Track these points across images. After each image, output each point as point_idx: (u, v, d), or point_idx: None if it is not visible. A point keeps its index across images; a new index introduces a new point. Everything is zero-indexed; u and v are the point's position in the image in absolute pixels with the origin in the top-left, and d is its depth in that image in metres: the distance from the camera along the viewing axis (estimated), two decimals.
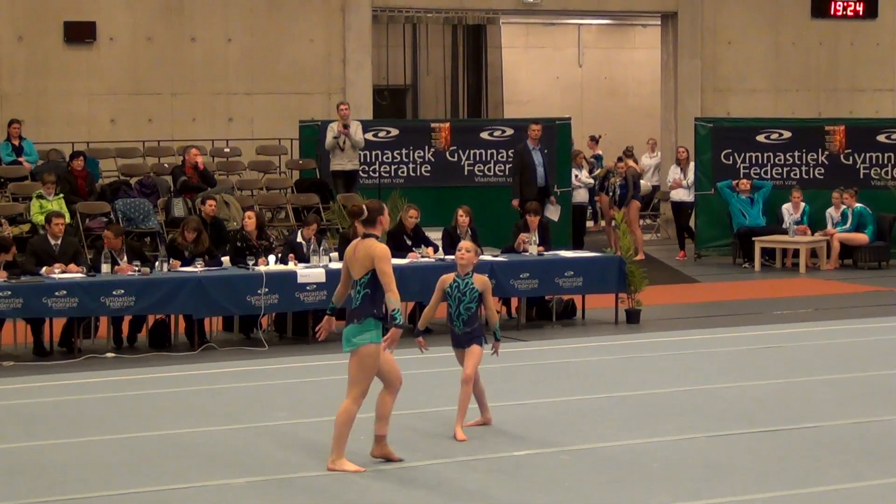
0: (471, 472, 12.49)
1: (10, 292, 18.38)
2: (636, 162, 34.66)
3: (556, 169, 28.32)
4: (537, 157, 26.29)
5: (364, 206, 12.79)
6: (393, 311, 12.23)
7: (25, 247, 20.30)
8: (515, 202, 25.65)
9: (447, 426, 13.95)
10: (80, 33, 29.48)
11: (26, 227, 23.24)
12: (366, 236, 12.57)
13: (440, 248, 21.23)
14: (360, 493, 11.69)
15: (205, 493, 11.94)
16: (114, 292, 18.87)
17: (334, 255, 20.54)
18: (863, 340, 20.01)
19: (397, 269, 20.05)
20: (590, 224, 33.50)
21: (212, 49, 30.61)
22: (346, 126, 26.52)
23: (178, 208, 24.97)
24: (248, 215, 21.15)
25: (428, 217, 22.05)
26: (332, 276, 19.79)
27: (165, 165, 27.25)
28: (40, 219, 22.24)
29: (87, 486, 12.14)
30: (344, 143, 26.63)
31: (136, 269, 19.34)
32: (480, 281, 14.34)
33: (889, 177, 29.50)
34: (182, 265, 19.79)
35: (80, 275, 19.14)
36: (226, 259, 20.06)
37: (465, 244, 14.48)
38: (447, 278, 14.34)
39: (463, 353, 14.26)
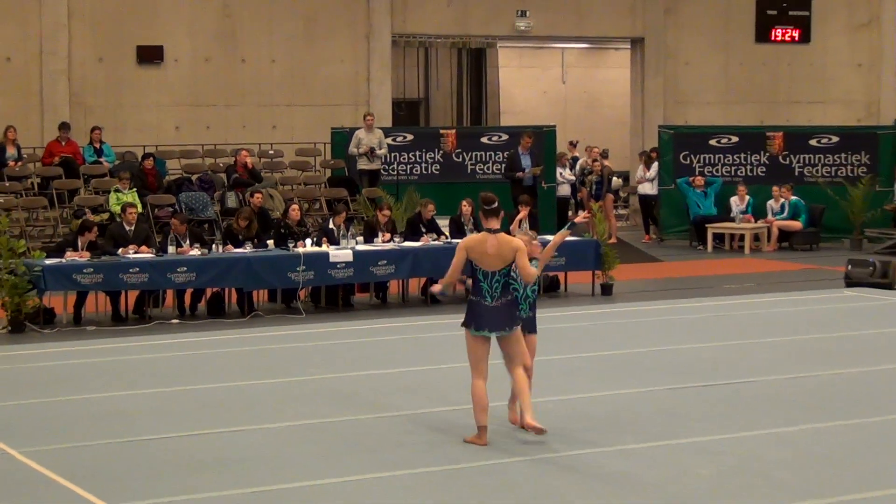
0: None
1: (92, 269, 18.47)
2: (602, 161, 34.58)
3: (545, 169, 28.28)
4: (525, 161, 26.39)
5: (493, 197, 11.93)
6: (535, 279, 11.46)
7: (105, 232, 20.35)
8: (523, 174, 26.22)
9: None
10: (150, 55, 29.53)
11: (105, 216, 23.27)
12: (493, 231, 11.44)
13: (447, 234, 21.25)
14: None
15: (251, 435, 11.99)
16: (178, 269, 18.94)
17: (360, 238, 20.60)
18: (797, 310, 20.03)
19: (414, 251, 20.26)
20: (571, 213, 33.46)
21: (258, 69, 30.64)
22: (371, 149, 26.59)
23: (231, 200, 25.01)
24: (293, 208, 21.20)
25: (437, 208, 22.04)
26: (358, 256, 19.87)
27: (220, 165, 27.27)
28: (117, 209, 22.26)
29: (157, 430, 12.18)
30: (372, 153, 26.69)
31: (197, 250, 19.41)
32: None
33: (819, 174, 29.49)
34: (235, 247, 19.86)
35: (150, 255, 19.21)
36: (270, 242, 20.12)
37: (528, 234, 12.30)
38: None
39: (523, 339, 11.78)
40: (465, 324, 11.48)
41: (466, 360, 15.79)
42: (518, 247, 11.26)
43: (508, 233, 21.70)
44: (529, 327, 11.96)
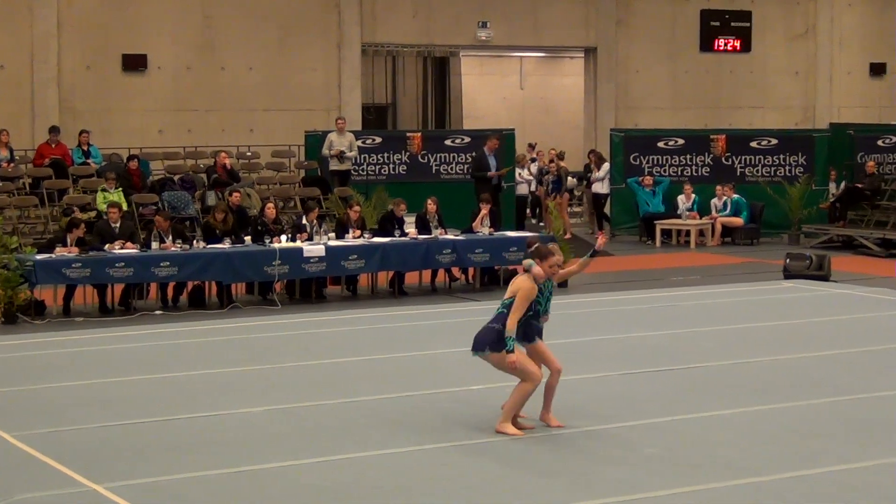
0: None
1: (81, 264, 18.40)
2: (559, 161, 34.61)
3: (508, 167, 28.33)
4: (491, 162, 26.43)
5: (535, 245, 11.80)
6: (507, 338, 10.99)
7: (93, 229, 20.27)
8: (494, 173, 26.31)
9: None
10: (134, 63, 29.45)
11: (93, 214, 23.17)
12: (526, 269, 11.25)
13: (415, 230, 21.26)
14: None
15: (232, 419, 11.95)
16: (161, 264, 18.87)
17: (332, 234, 20.58)
18: (739, 300, 20.08)
19: (383, 246, 20.23)
20: (529, 211, 33.48)
21: (237, 76, 30.56)
22: (341, 152, 26.53)
23: (211, 199, 24.89)
24: (269, 206, 21.16)
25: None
26: (330, 251, 19.85)
27: (201, 165, 27.17)
28: (104, 207, 22.15)
29: (142, 414, 12.15)
30: (342, 155, 26.64)
31: (179, 246, 19.35)
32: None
33: (759, 174, 29.57)
34: (213, 243, 19.81)
35: (135, 250, 19.14)
36: (248, 238, 20.06)
37: (558, 258, 11.54)
38: (533, 289, 11.25)
39: (537, 347, 11.54)
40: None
41: (432, 348, 15.84)
42: (519, 287, 11.15)
43: (470, 229, 21.83)
44: (540, 332, 11.71)
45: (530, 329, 11.41)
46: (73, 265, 18.35)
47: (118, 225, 19.80)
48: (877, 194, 28.41)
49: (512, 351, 10.93)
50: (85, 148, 26.51)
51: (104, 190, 23.72)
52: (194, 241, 19.79)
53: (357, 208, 21.64)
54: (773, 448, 10.72)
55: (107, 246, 19.09)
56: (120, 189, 23.91)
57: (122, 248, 19.12)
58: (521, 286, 11.06)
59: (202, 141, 29.04)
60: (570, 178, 31.95)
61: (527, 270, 11.23)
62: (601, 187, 30.18)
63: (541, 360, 11.39)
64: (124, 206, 22.07)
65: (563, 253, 21.30)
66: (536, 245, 11.75)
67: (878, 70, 38.10)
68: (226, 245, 19.69)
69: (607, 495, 9.38)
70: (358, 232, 20.75)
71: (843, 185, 29.38)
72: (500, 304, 11.24)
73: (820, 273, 22.11)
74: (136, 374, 14.21)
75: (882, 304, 19.32)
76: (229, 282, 19.70)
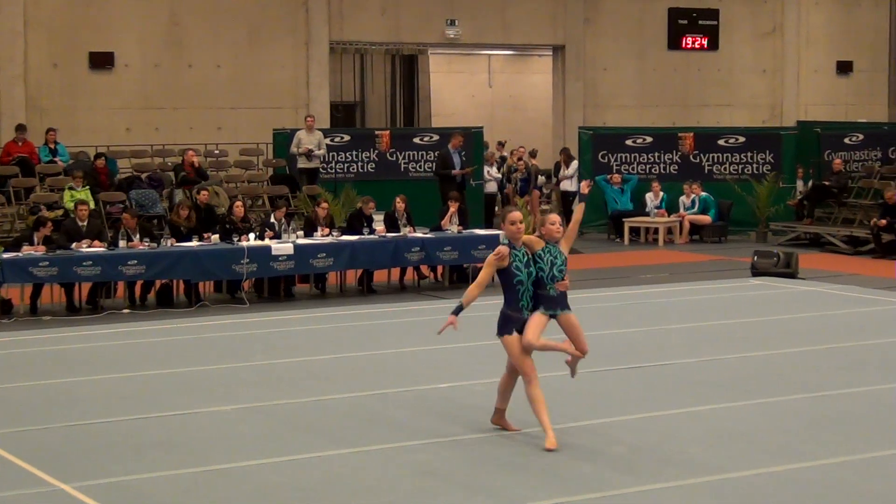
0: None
1: (48, 263, 18.32)
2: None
3: (474, 167, 28.38)
4: (456, 159, 26.47)
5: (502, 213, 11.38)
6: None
7: (60, 227, 20.20)
8: (458, 172, 26.30)
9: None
10: (101, 61, 29.37)
11: (60, 212, 23.07)
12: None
13: (383, 228, 21.27)
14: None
15: (200, 417, 11.93)
16: (129, 262, 18.81)
17: (300, 232, 20.56)
18: (708, 297, 20.15)
19: (352, 244, 20.22)
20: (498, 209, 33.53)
21: (205, 73, 30.51)
22: (309, 150, 26.53)
23: (179, 197, 24.86)
24: (237, 204, 21.13)
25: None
26: (298, 249, 19.83)
27: (169, 164, 27.11)
28: (71, 206, 22.10)
29: (110, 413, 12.13)
30: (310, 153, 26.65)
31: (146, 244, 19.30)
32: (533, 241, 11.28)
33: (727, 172, 29.67)
34: (181, 241, 19.77)
35: (102, 249, 19.08)
36: (215, 237, 20.02)
37: (556, 217, 11.29)
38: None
39: (560, 320, 11.07)
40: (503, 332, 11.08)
41: (400, 346, 15.85)
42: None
43: (438, 227, 21.85)
44: (562, 302, 11.16)
45: (539, 300, 10.91)
46: (41, 264, 18.27)
47: (85, 223, 19.73)
48: (844, 192, 28.54)
49: (454, 314, 11.03)
50: (52, 146, 26.41)
51: (71, 188, 23.66)
52: (162, 240, 19.74)
53: (325, 206, 21.64)
54: (741, 445, 10.77)
55: (74, 244, 19.02)
56: (87, 187, 23.85)
57: (89, 246, 19.06)
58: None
59: (170, 139, 28.97)
60: (539, 176, 32.01)
61: (502, 243, 11.08)
62: (570, 185, 30.23)
63: (570, 335, 11.09)
64: (91, 205, 22.01)
65: (534, 247, 21.51)
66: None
67: (844, 68, 38.28)
68: (194, 243, 19.65)
69: (575, 492, 9.41)
70: (326, 230, 20.74)
71: (810, 182, 29.51)
72: None
73: (787, 270, 22.21)
74: (103, 374, 14.18)
75: (849, 302, 19.42)
76: (197, 280, 19.66)
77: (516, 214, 11.07)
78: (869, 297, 19.81)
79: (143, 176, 26.09)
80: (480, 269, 22.04)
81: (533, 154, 32.47)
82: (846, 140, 30.72)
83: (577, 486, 9.57)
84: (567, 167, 30.27)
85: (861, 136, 30.91)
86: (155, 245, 19.35)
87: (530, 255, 11.00)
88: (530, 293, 10.96)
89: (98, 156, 25.78)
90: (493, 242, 21.34)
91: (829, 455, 10.44)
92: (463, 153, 26.92)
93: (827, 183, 28.77)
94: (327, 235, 20.57)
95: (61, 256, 18.53)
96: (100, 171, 25.16)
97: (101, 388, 13.38)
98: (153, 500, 9.34)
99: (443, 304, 19.54)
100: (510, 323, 10.93)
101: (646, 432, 11.13)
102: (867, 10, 38.42)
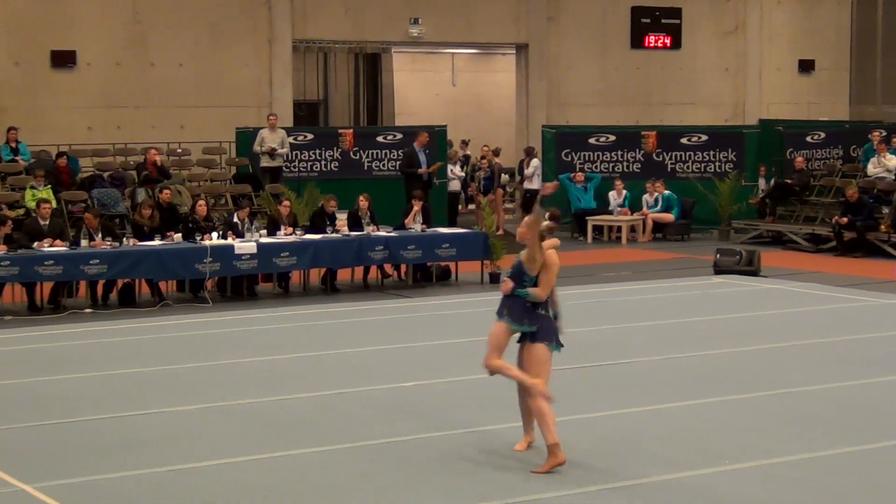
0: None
1: (9, 262, 18.24)
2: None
3: (439, 165, 28.45)
4: (422, 157, 26.51)
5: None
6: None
7: (21, 227, 20.11)
8: (424, 170, 26.28)
9: None
10: (63, 59, 29.25)
11: (21, 211, 22.97)
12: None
13: (347, 226, 21.29)
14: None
15: (164, 417, 11.93)
16: (91, 262, 18.73)
17: (263, 231, 20.54)
18: (671, 295, 20.22)
19: (315, 243, 20.21)
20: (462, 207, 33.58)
21: (167, 72, 30.42)
22: (273, 149, 26.54)
23: (141, 196, 24.78)
24: (200, 203, 21.08)
25: (337, 203, 22.00)
26: (261, 248, 19.80)
27: (131, 162, 27.01)
28: (32, 204, 21.99)
29: (73, 413, 12.11)
30: (274, 152, 26.64)
31: (109, 243, 19.24)
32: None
33: (690, 171, 29.79)
34: (143, 240, 19.73)
35: (64, 248, 19.00)
36: (178, 235, 19.98)
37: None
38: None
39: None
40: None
41: (364, 345, 15.86)
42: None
43: (402, 226, 21.85)
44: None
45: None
46: (1, 263, 18.17)
47: (47, 222, 19.64)
48: (806, 190, 28.70)
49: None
50: (13, 145, 26.27)
51: (33, 187, 23.55)
52: (125, 239, 19.69)
53: (287, 204, 21.63)
54: (702, 442, 10.84)
55: (35, 244, 18.94)
56: (49, 186, 23.73)
57: (50, 245, 18.98)
58: (555, 260, 10.06)
59: (132, 138, 28.87)
60: (503, 174, 32.06)
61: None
62: (531, 183, 30.32)
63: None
64: (53, 204, 21.92)
65: (497, 250, 21.63)
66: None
67: (806, 67, 38.48)
68: (156, 243, 19.61)
69: (537, 491, 9.44)
70: (290, 229, 20.73)
71: (772, 181, 29.64)
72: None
73: (750, 268, 22.32)
74: (66, 373, 14.14)
75: (811, 299, 19.53)
76: (160, 279, 19.62)
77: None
78: (831, 295, 19.93)
79: (106, 175, 25.98)
80: (445, 267, 22.21)
81: (496, 152, 32.53)
82: (808, 138, 30.87)
83: (539, 484, 9.60)
84: (528, 166, 30.34)
85: (823, 135, 31.06)
86: (117, 244, 19.29)
87: None
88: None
89: (60, 154, 25.67)
90: (456, 241, 21.42)
91: (792, 452, 10.51)
92: (427, 151, 26.96)
93: (789, 181, 28.91)
94: (291, 234, 20.55)
95: (22, 256, 18.45)
96: (61, 170, 25.05)
97: (63, 388, 13.34)
98: (116, 500, 9.33)
99: (406, 302, 19.59)
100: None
101: (608, 430, 11.17)
102: (829, 9, 38.63)
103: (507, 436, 11.00)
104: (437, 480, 9.76)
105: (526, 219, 10.10)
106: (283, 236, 20.45)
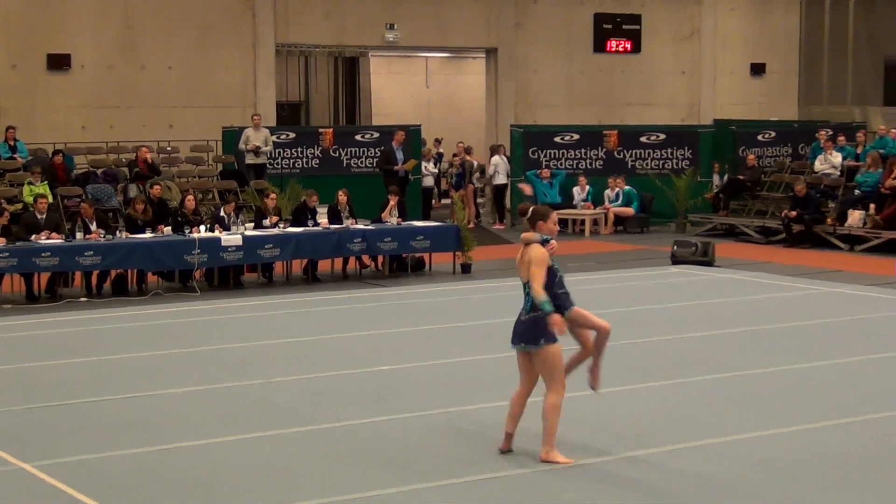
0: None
1: (8, 254, 18.20)
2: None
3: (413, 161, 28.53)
4: (399, 155, 26.51)
5: (530, 209, 9.79)
6: (540, 304, 9.43)
7: (19, 220, 20.05)
8: (400, 167, 26.24)
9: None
10: (59, 62, 29.13)
11: (20, 206, 22.90)
12: (527, 243, 9.59)
13: (327, 220, 21.29)
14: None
15: (155, 400, 11.91)
16: (85, 253, 18.69)
17: (249, 225, 20.53)
18: (631, 284, 20.26)
19: (297, 235, 20.20)
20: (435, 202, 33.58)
21: (157, 74, 30.32)
22: (257, 147, 26.49)
23: (133, 191, 24.71)
24: (188, 198, 21.07)
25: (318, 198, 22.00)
26: (247, 240, 19.79)
27: (123, 160, 26.92)
28: (30, 199, 21.93)
29: (69, 396, 12.08)
30: (258, 150, 26.60)
31: (102, 236, 19.20)
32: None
33: (649, 167, 29.86)
34: (135, 233, 19.70)
35: (60, 240, 18.96)
36: (168, 229, 19.94)
37: (555, 214, 9.96)
38: (545, 253, 9.69)
39: (574, 314, 10.20)
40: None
41: (343, 331, 15.85)
42: (531, 258, 9.53)
43: (379, 220, 21.84)
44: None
45: (561, 299, 9.87)
46: (1, 254, 18.13)
47: (44, 216, 19.60)
48: (757, 185, 28.79)
49: (552, 311, 9.48)
50: (11, 143, 26.16)
51: (30, 183, 23.47)
52: (118, 232, 19.65)
53: (273, 196, 21.71)
54: (661, 423, 10.88)
55: (33, 236, 18.90)
56: (45, 182, 23.66)
57: (47, 238, 18.94)
58: (532, 254, 9.49)
59: (124, 136, 28.79)
60: (474, 171, 32.07)
61: (537, 243, 9.62)
62: (495, 179, 30.39)
63: (585, 325, 10.15)
64: (49, 199, 21.85)
65: (468, 243, 21.64)
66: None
67: (757, 70, 38.57)
68: (147, 235, 19.58)
69: (500, 469, 9.47)
70: (276, 218, 20.75)
71: (725, 177, 29.73)
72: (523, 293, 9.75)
73: (705, 259, 22.39)
74: (61, 359, 14.11)
75: (762, 288, 19.60)
76: (151, 270, 19.59)
77: (555, 215, 9.90)
78: (780, 284, 20.01)
79: (99, 171, 25.90)
80: (419, 258, 22.24)
81: (468, 150, 32.54)
82: (759, 137, 30.96)
83: (504, 463, 9.63)
84: (489, 163, 30.37)
85: (773, 134, 31.16)
86: (110, 237, 19.26)
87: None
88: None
89: (56, 152, 25.58)
90: (430, 234, 21.44)
91: (743, 430, 10.56)
92: (403, 149, 27.01)
93: (741, 177, 28.99)
94: (276, 223, 20.57)
95: (21, 248, 18.42)
96: (57, 167, 24.97)
97: (59, 373, 13.31)
98: (111, 477, 9.32)
99: (383, 291, 19.59)
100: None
101: (569, 412, 11.19)
102: (779, 16, 38.73)
103: (477, 415, 11.04)
104: (413, 457, 9.78)
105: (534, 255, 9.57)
106: (270, 226, 20.47)
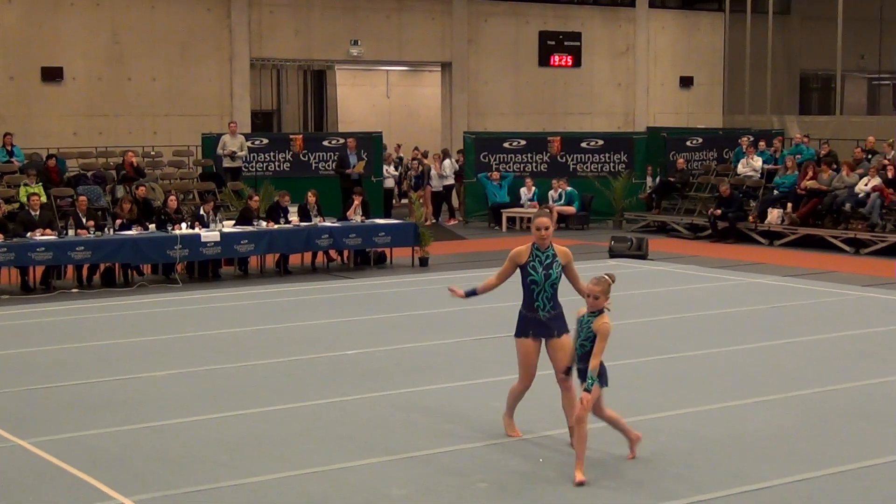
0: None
1: (5, 249, 18.07)
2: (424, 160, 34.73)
3: (374, 166, 28.49)
4: (352, 159, 26.43)
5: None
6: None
7: (15, 218, 19.88)
8: (351, 170, 26.06)
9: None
10: (52, 75, 28.96)
11: (17, 205, 22.70)
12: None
13: (297, 218, 21.22)
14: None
15: (140, 382, 11.83)
16: (77, 248, 18.57)
17: (228, 222, 20.44)
18: None
19: (270, 232, 20.12)
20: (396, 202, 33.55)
21: (142, 85, 30.17)
22: (233, 152, 26.32)
23: (120, 192, 24.54)
24: (171, 198, 20.94)
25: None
26: (224, 236, 19.70)
27: (111, 163, 26.75)
28: (26, 199, 21.75)
29: (60, 378, 11.99)
30: (234, 155, 26.46)
31: (92, 232, 19.06)
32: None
33: (588, 170, 29.90)
34: (122, 230, 19.58)
35: (53, 237, 18.81)
36: (152, 226, 19.83)
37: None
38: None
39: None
40: (519, 334, 9.11)
41: (313, 319, 15.77)
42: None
43: (345, 217, 21.75)
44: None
45: (530, 322, 9.34)
46: None
47: (38, 213, 19.45)
48: (686, 186, 28.91)
49: (466, 295, 9.37)
50: (9, 148, 25.92)
51: (26, 184, 23.26)
52: (106, 229, 19.53)
53: (256, 199, 21.62)
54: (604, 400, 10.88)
55: (28, 233, 18.74)
56: (40, 184, 23.47)
57: (42, 234, 18.78)
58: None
59: (112, 142, 28.63)
60: (431, 174, 32.06)
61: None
62: (446, 181, 30.43)
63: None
64: (43, 198, 21.65)
65: (425, 238, 21.61)
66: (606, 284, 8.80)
67: (686, 82, 38.75)
68: (133, 232, 19.46)
69: (435, 447, 9.45)
70: (271, 222, 20.64)
71: (657, 179, 29.85)
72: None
73: (639, 253, 22.46)
74: (55, 345, 14.00)
75: (691, 279, 19.68)
76: (137, 263, 19.48)
77: (543, 220, 9.19)
78: (708, 275, 20.09)
79: (89, 174, 25.71)
80: (381, 253, 22.19)
81: (425, 155, 32.49)
82: (688, 143, 31.08)
83: (437, 441, 9.61)
84: (440, 166, 30.35)
85: (700, 140, 31.29)
86: (100, 233, 19.14)
87: (555, 258, 9.28)
88: (547, 294, 9.34)
89: (49, 156, 25.40)
90: (391, 230, 21.42)
91: (677, 407, 10.59)
92: (364, 153, 27.07)
93: (672, 179, 29.12)
94: (260, 223, 20.57)
95: (17, 243, 18.27)
96: (51, 170, 24.78)
97: (52, 357, 13.21)
98: (99, 452, 9.25)
99: (348, 282, 19.54)
100: (524, 323, 9.29)
101: (496, 390, 11.16)
102: (705, 34, 38.91)
103: (434, 395, 11.01)
104: (374, 434, 9.75)
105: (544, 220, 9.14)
106: (265, 226, 20.43)
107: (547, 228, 9.15)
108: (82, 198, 20.04)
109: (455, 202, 31.04)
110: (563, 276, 9.31)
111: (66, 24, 29.23)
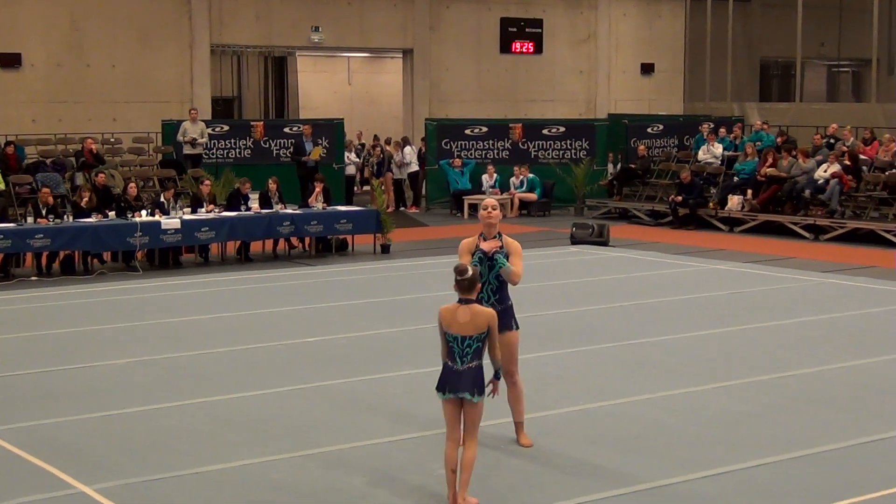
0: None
1: None
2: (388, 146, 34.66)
3: (335, 153, 28.43)
4: (308, 147, 26.28)
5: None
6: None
7: None
8: (306, 158, 25.77)
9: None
10: (10, 61, 28.69)
11: None
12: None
13: (258, 205, 21.14)
14: None
15: (100, 370, 11.77)
16: (36, 236, 18.41)
17: (187, 210, 20.33)
18: (534, 263, 20.23)
19: (231, 219, 20.04)
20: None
21: (102, 72, 29.95)
22: (193, 139, 26.17)
23: (80, 179, 24.38)
24: (131, 185, 20.84)
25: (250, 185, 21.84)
26: (185, 223, 19.61)
27: (70, 150, 26.58)
28: None
29: (19, 367, 11.92)
30: (194, 141, 26.32)
31: (51, 220, 18.92)
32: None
33: (550, 157, 29.94)
34: (82, 217, 19.45)
35: (12, 224, 18.66)
36: (112, 213, 19.70)
37: (490, 201, 9.17)
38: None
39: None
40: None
41: (274, 306, 15.73)
42: (490, 318, 8.24)
43: (306, 205, 21.62)
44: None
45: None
46: None
47: None
48: (647, 173, 28.99)
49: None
50: None
51: None
52: (65, 216, 19.40)
53: (207, 184, 21.51)
54: (561, 386, 10.93)
55: None
56: None
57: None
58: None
59: (71, 129, 28.42)
60: (392, 161, 32.02)
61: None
62: (409, 168, 30.40)
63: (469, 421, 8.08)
64: (2, 186, 21.48)
65: (387, 225, 21.59)
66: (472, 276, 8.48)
67: (647, 69, 38.84)
68: (93, 219, 19.33)
69: (400, 433, 9.46)
70: (211, 206, 20.57)
71: (619, 165, 29.92)
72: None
73: (601, 239, 22.52)
74: (14, 332, 13.90)
75: (652, 265, 19.75)
76: (97, 251, 19.36)
77: (489, 200, 9.16)
78: (668, 261, 20.18)
79: (48, 161, 25.56)
80: (343, 240, 22.14)
81: (387, 142, 32.43)
82: (649, 130, 31.17)
83: (394, 428, 9.62)
84: (401, 154, 30.30)
85: (661, 127, 31.39)
86: (59, 221, 19.00)
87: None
88: (492, 286, 9.44)
89: (8, 143, 25.20)
90: (353, 217, 21.39)
91: (637, 393, 10.64)
92: (321, 140, 27.07)
93: (633, 166, 29.19)
94: (212, 210, 20.40)
95: None
96: (10, 157, 24.59)
97: (11, 346, 13.12)
98: (59, 442, 9.19)
99: (309, 270, 19.50)
100: None
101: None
102: (666, 21, 39.01)
103: (397, 382, 11.02)
104: (336, 421, 9.74)
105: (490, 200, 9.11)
106: (205, 213, 20.28)
107: (495, 209, 9.13)
108: (45, 189, 19.80)
109: (423, 190, 30.92)
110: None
111: (24, 10, 28.97)
